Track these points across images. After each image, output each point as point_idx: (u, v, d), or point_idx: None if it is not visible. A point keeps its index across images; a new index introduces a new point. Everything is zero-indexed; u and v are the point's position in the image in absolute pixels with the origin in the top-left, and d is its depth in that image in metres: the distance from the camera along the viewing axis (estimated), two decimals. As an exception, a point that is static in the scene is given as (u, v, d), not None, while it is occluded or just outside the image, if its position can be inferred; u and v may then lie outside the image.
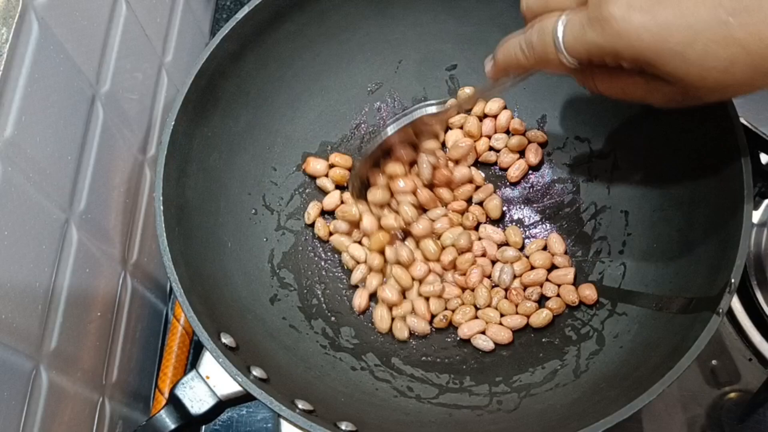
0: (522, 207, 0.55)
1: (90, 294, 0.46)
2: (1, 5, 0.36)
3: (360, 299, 0.51)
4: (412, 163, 0.53)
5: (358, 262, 0.52)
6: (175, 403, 0.41)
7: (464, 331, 0.50)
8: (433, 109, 0.47)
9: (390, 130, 0.48)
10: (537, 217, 0.55)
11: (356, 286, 0.53)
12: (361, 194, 0.52)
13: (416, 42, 0.56)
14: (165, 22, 0.58)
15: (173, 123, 0.45)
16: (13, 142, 0.37)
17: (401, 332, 0.50)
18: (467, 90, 0.56)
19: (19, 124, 0.37)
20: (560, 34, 0.33)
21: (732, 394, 0.53)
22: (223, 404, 0.41)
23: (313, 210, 0.54)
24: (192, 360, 0.56)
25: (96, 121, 0.46)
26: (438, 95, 0.58)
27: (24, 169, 0.38)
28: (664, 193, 0.49)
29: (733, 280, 0.39)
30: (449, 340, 0.51)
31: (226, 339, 0.41)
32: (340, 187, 0.56)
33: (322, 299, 0.52)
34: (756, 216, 0.57)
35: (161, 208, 0.43)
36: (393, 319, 0.51)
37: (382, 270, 0.52)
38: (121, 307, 0.51)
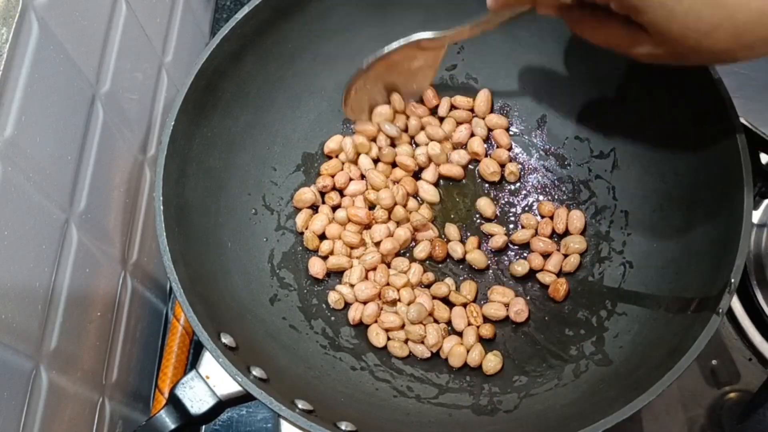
0: (521, 206, 0.55)
1: (90, 294, 0.46)
2: (1, 5, 0.36)
3: (355, 313, 0.51)
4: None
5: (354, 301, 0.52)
6: (175, 403, 0.41)
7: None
8: (429, 35, 0.47)
9: (386, 50, 0.48)
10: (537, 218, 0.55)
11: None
12: (351, 107, 0.52)
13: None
14: (165, 22, 0.58)
15: (173, 123, 0.45)
16: (13, 142, 0.37)
17: (400, 351, 0.50)
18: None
19: (19, 124, 0.37)
20: None
21: (732, 394, 0.53)
22: (223, 404, 0.41)
23: (300, 220, 0.54)
24: (192, 360, 0.56)
25: (96, 121, 0.46)
26: (438, 95, 0.58)
27: (24, 169, 0.38)
28: (664, 193, 0.49)
29: (732, 280, 0.39)
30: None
31: (225, 339, 0.41)
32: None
33: (321, 299, 0.52)
34: (756, 216, 0.57)
35: (161, 208, 0.43)
36: (389, 339, 0.50)
37: (379, 295, 0.51)
38: (121, 307, 0.51)
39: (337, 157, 0.56)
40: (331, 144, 0.56)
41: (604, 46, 0.37)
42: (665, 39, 0.32)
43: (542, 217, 0.54)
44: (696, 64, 0.34)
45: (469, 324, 0.50)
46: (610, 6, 0.33)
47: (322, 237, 0.54)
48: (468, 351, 0.49)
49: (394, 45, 0.48)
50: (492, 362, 0.48)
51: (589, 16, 0.36)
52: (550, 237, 0.53)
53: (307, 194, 0.54)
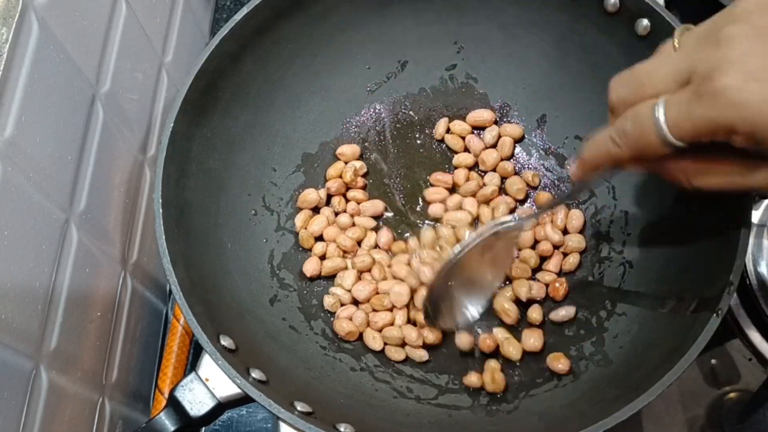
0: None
1: (90, 294, 0.46)
2: (1, 5, 0.36)
3: (346, 313, 0.51)
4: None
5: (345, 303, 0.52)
6: (174, 405, 0.41)
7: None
8: (509, 224, 0.44)
9: (458, 248, 0.45)
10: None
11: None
12: (432, 318, 0.49)
13: (416, 42, 0.56)
14: (165, 22, 0.58)
15: (173, 124, 0.45)
16: (13, 142, 0.37)
17: (397, 355, 0.49)
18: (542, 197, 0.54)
19: (19, 124, 0.37)
20: (661, 115, 0.31)
21: (732, 394, 0.53)
22: (222, 406, 0.41)
23: (300, 220, 0.54)
24: (192, 360, 0.56)
25: (96, 121, 0.46)
26: (438, 95, 0.58)
27: (24, 169, 0.38)
28: (664, 192, 0.49)
29: (732, 280, 0.39)
30: (449, 341, 0.51)
31: (225, 341, 0.41)
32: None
33: (321, 300, 0.52)
34: (756, 216, 0.57)
35: (160, 209, 0.43)
36: (386, 343, 0.50)
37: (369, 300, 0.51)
38: (121, 307, 0.51)
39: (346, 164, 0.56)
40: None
41: (719, 187, 0.34)
42: None
43: (539, 208, 0.54)
44: None
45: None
46: (733, 142, 0.30)
47: (319, 238, 0.54)
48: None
49: (465, 245, 0.45)
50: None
51: (692, 163, 0.33)
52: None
53: (311, 195, 0.54)
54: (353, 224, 0.54)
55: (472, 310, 0.49)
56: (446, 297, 0.48)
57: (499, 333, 0.49)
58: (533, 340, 0.48)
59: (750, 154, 0.31)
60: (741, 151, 0.31)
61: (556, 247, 0.52)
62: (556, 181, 0.55)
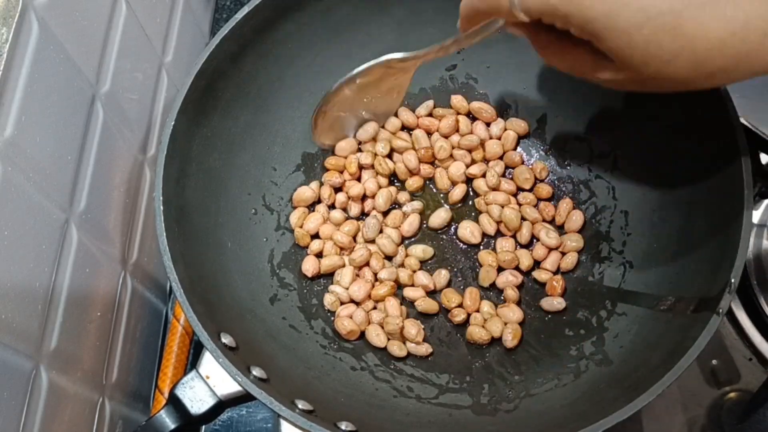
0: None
1: (90, 294, 0.46)
2: (1, 5, 0.36)
3: (346, 311, 0.51)
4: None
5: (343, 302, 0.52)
6: (175, 403, 0.41)
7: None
8: (399, 56, 0.47)
9: (354, 72, 0.49)
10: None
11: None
12: (320, 132, 0.54)
13: (417, 42, 0.56)
14: (165, 22, 0.58)
15: (173, 123, 0.45)
16: (13, 142, 0.37)
17: (399, 351, 0.50)
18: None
19: (19, 124, 0.37)
20: None
21: (732, 394, 0.53)
22: (223, 404, 0.41)
23: (295, 217, 0.54)
24: (192, 360, 0.56)
25: (96, 121, 0.46)
26: (438, 95, 0.58)
27: (24, 169, 0.38)
28: (664, 193, 0.49)
29: (733, 280, 0.39)
30: (449, 340, 0.51)
31: (225, 339, 0.41)
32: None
33: (321, 299, 0.52)
34: (756, 216, 0.57)
35: (161, 208, 0.43)
36: (389, 339, 0.50)
37: (369, 295, 0.51)
38: (121, 307, 0.51)
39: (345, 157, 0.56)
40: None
41: (569, 72, 0.37)
42: (626, 66, 0.32)
43: (540, 200, 0.55)
44: (657, 91, 0.34)
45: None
46: (571, 32, 0.33)
47: (316, 236, 0.54)
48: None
49: (363, 67, 0.48)
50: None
51: (555, 41, 0.36)
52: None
53: (306, 193, 0.54)
54: (346, 218, 0.54)
55: (352, 130, 0.55)
56: (335, 110, 0.52)
57: (485, 306, 0.51)
58: (512, 314, 0.50)
59: (600, 52, 0.33)
60: (594, 47, 0.33)
61: (552, 248, 0.53)
62: (556, 182, 0.55)
